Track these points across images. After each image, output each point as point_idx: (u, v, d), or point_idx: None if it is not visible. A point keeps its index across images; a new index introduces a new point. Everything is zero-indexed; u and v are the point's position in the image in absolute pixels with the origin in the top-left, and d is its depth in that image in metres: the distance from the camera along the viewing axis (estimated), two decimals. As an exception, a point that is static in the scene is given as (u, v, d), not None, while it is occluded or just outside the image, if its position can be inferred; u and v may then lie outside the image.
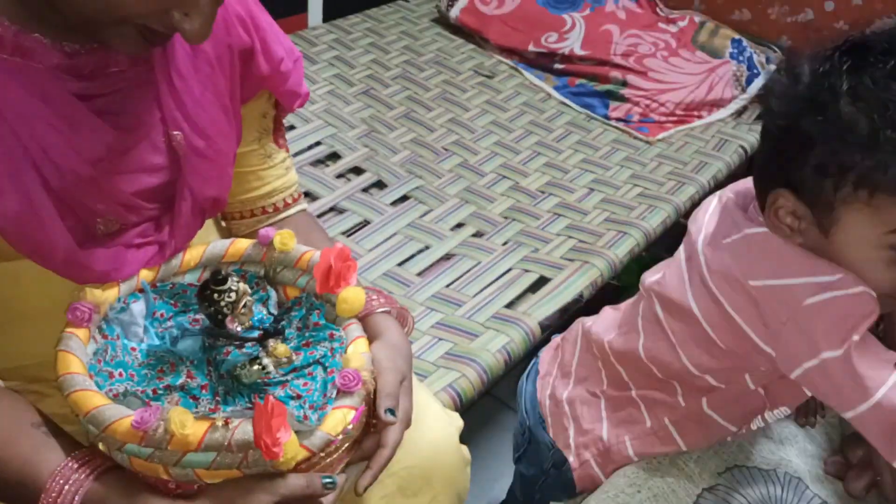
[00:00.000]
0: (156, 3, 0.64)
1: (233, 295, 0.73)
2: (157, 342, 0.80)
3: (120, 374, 0.76)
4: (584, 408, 0.96)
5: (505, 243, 1.56)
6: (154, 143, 0.77)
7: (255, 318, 0.78)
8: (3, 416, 0.72)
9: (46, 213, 0.71)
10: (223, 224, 0.99)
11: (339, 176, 1.71)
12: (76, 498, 0.68)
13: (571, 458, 0.96)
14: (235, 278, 0.74)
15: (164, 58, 0.76)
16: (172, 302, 0.83)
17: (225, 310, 0.73)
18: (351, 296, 0.82)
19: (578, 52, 2.11)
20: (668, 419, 0.87)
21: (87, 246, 0.76)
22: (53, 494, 0.68)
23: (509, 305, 1.40)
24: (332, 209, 1.61)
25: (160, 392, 0.73)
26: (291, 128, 1.76)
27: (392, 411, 0.76)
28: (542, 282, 1.47)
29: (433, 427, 0.91)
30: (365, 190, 1.68)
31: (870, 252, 0.71)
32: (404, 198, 1.67)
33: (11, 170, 0.68)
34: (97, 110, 0.72)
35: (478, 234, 1.59)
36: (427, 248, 1.54)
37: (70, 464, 0.69)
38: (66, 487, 0.68)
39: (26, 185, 0.69)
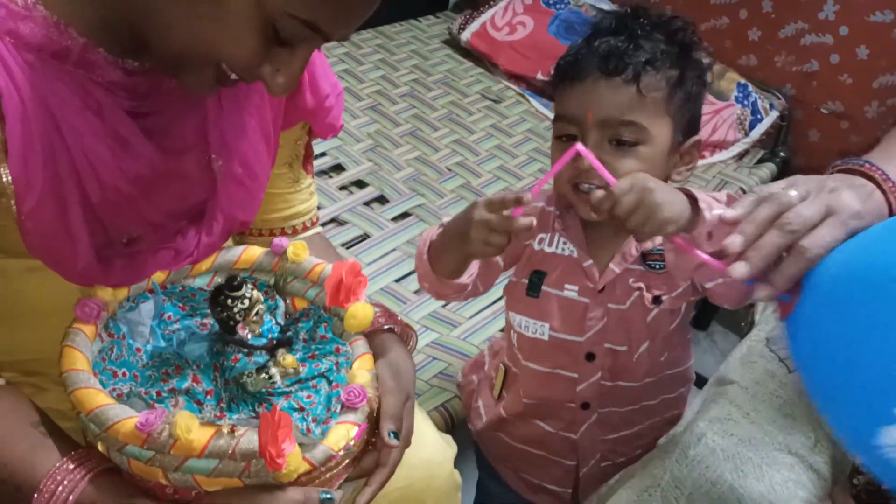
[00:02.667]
0: (253, 56, 0.63)
1: (246, 302, 0.73)
2: (162, 344, 0.79)
3: (123, 374, 0.75)
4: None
5: (504, 268, 1.57)
6: (194, 164, 0.77)
7: (264, 328, 0.78)
8: (2, 417, 0.71)
9: (77, 230, 0.70)
10: (238, 237, 0.99)
11: (342, 188, 1.71)
12: (70, 498, 0.67)
13: (460, 378, 1.20)
14: (250, 286, 0.74)
15: None
16: (181, 305, 0.83)
17: (237, 316, 0.73)
18: (360, 312, 0.82)
19: (586, 83, 2.13)
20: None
21: (106, 254, 0.75)
22: (46, 495, 0.67)
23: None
24: (333, 220, 1.61)
25: (164, 395, 0.73)
26: (298, 137, 1.76)
27: (395, 434, 0.76)
28: (538, 309, 1.47)
29: (429, 450, 0.91)
30: (367, 204, 1.68)
31: None
32: (405, 214, 1.68)
33: (55, 182, 0.67)
34: (145, 129, 0.71)
35: (477, 257, 1.60)
36: (426, 266, 1.54)
37: (66, 464, 0.68)
38: (60, 488, 0.67)
39: (65, 198, 0.68)
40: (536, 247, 0.95)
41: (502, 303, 1.46)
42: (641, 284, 0.92)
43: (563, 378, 0.98)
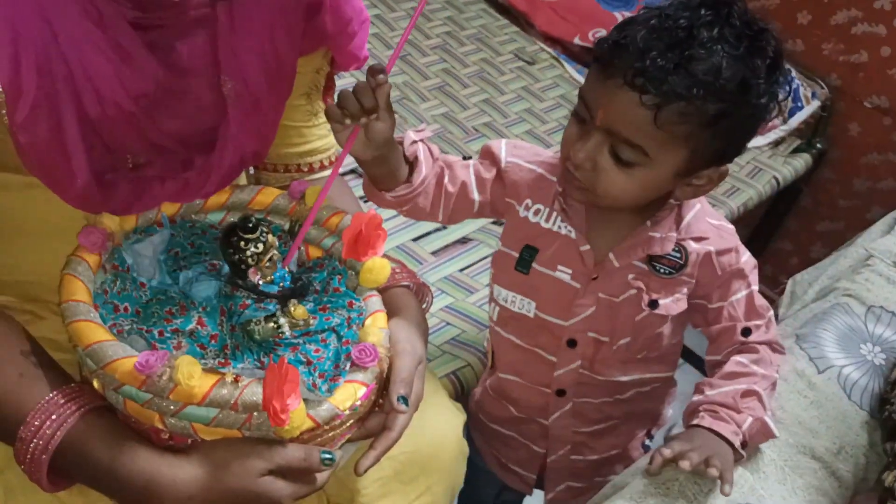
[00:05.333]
0: None
1: (260, 246, 0.69)
2: (168, 281, 0.75)
3: (125, 309, 0.71)
4: None
5: (525, 236, 1.52)
6: (202, 84, 0.72)
7: (277, 275, 0.74)
8: None
9: (73, 146, 0.66)
10: (252, 172, 0.94)
11: (365, 138, 1.66)
12: (57, 434, 0.63)
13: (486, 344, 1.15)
14: (265, 228, 0.70)
15: None
16: (190, 242, 0.79)
17: (250, 260, 0.69)
18: (377, 266, 0.78)
19: (625, 53, 2.05)
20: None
21: (109, 178, 0.71)
22: (32, 429, 0.63)
23: (521, 300, 1.36)
24: (352, 171, 1.56)
25: (167, 335, 0.69)
26: (323, 81, 1.70)
27: (405, 399, 0.72)
28: (556, 281, 1.42)
29: (438, 418, 0.88)
30: (388, 157, 1.62)
31: None
32: (427, 172, 1.62)
33: (50, 94, 0.63)
34: (150, 43, 0.67)
35: (498, 223, 1.54)
36: (444, 227, 1.49)
37: (56, 398, 0.65)
38: (47, 423, 0.63)
39: (60, 111, 0.64)
40: (532, 218, 0.89)
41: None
42: (641, 284, 0.87)
43: (542, 359, 0.94)
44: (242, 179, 0.92)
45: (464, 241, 1.47)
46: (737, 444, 0.80)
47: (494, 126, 1.81)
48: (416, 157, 0.84)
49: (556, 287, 0.89)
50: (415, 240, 1.44)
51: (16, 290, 0.79)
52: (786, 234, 2.21)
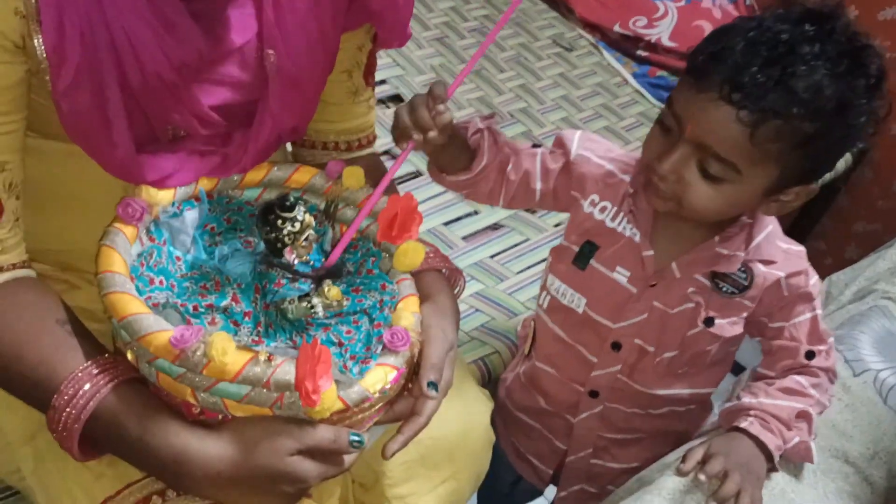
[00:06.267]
0: None
1: (297, 225, 0.68)
2: (203, 256, 0.75)
3: (161, 283, 0.71)
4: None
5: (557, 225, 1.50)
6: (245, 57, 0.71)
7: (312, 256, 0.73)
8: (27, 310, 0.67)
9: (114, 115, 0.66)
10: (289, 148, 0.94)
11: (399, 120, 1.65)
12: (90, 404, 0.64)
13: (519, 329, 1.14)
14: (303, 208, 0.69)
15: None
16: (226, 217, 0.79)
17: (286, 239, 0.68)
18: (411, 250, 0.77)
19: (666, 42, 2.01)
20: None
21: (149, 149, 0.71)
22: (66, 397, 0.63)
23: (551, 289, 1.35)
24: (385, 153, 1.55)
25: (201, 310, 0.69)
26: (359, 60, 1.69)
27: (434, 385, 0.71)
28: (588, 272, 1.41)
29: (467, 405, 0.87)
30: (422, 140, 1.62)
31: None
32: (461, 156, 1.61)
33: (93, 62, 0.63)
34: (194, 13, 0.66)
35: (531, 210, 1.53)
36: (476, 213, 1.48)
37: (90, 368, 0.65)
38: (80, 392, 0.64)
39: (103, 79, 0.64)
40: (598, 215, 0.88)
41: (550, 260, 1.41)
42: (701, 300, 0.85)
43: (581, 357, 0.93)
44: (279, 154, 0.91)
45: (495, 227, 1.46)
46: (776, 458, 0.79)
47: (530, 112, 1.79)
48: (479, 146, 0.84)
49: (610, 287, 0.88)
50: (446, 224, 1.43)
51: (52, 258, 0.79)
52: (820, 233, 2.17)
